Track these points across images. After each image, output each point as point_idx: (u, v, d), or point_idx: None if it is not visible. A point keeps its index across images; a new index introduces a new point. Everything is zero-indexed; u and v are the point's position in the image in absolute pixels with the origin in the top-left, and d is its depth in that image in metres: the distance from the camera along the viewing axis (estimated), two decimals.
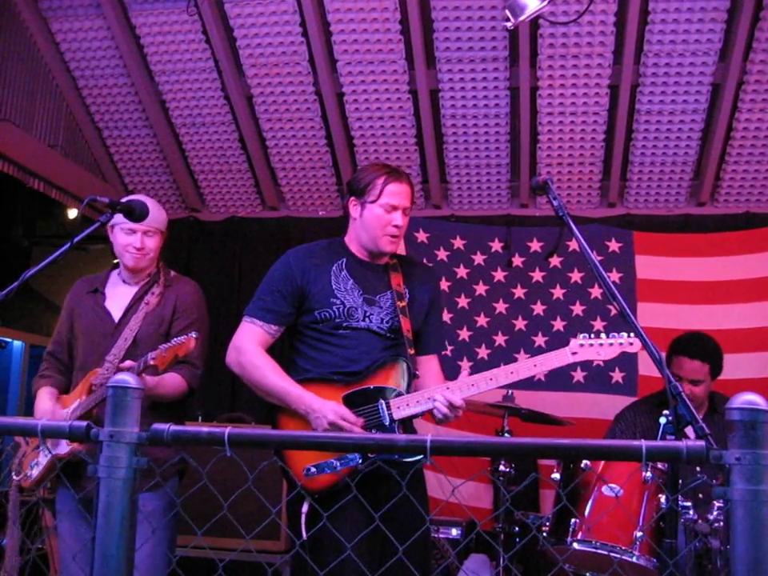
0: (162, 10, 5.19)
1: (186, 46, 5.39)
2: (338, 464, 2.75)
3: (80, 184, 5.93)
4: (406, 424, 2.94)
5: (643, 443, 1.54)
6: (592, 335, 2.83)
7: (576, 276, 5.80)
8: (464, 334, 5.83)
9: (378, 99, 5.51)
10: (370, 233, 3.01)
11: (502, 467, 4.21)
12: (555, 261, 5.79)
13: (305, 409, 2.82)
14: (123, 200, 2.99)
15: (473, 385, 2.84)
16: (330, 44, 5.27)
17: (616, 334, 2.81)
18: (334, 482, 2.76)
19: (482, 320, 5.86)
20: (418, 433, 3.14)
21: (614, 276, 5.69)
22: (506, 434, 4.31)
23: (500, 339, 5.83)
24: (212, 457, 1.83)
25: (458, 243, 5.96)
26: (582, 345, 2.82)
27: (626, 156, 5.66)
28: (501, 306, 5.86)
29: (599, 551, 3.25)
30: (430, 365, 3.15)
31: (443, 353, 3.30)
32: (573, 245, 5.66)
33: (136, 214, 2.86)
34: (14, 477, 3.30)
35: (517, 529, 4.26)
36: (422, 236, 5.94)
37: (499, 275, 5.90)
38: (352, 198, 3.06)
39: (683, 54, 5.02)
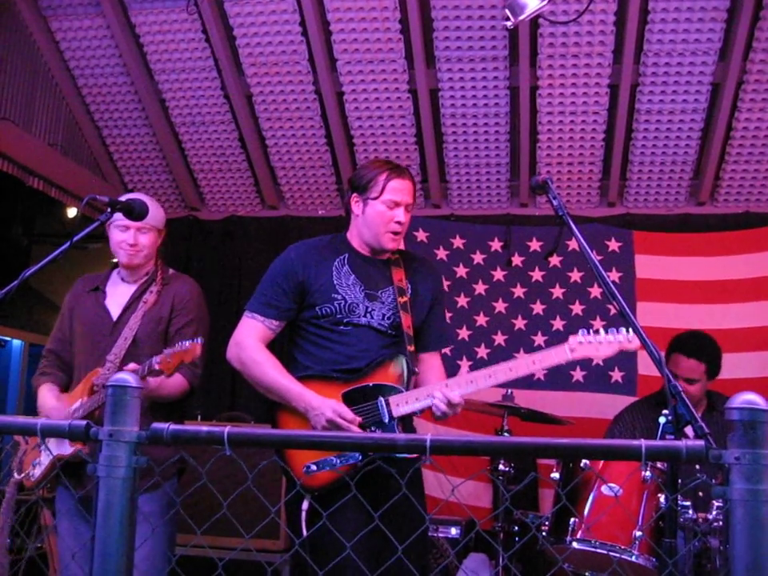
0: (162, 9, 5.19)
1: (185, 45, 5.38)
2: (338, 461, 2.76)
3: (79, 183, 5.93)
4: (406, 421, 2.94)
5: (643, 442, 1.54)
6: (591, 332, 2.83)
7: (576, 275, 5.80)
8: (463, 333, 5.83)
9: (377, 98, 5.51)
10: (372, 229, 3.00)
11: (501, 466, 4.21)
12: (555, 260, 5.79)
13: (304, 406, 2.83)
14: (122, 198, 2.98)
15: (472, 382, 2.84)
16: (329, 43, 5.27)
17: (615, 331, 2.80)
18: (334, 480, 2.76)
19: (481, 319, 5.86)
20: (418, 431, 3.14)
21: (614, 275, 5.68)
22: (505, 434, 4.30)
23: (499, 339, 5.82)
24: (211, 456, 1.84)
25: (458, 242, 5.96)
26: (580, 342, 2.82)
27: (625, 155, 5.66)
28: (500, 306, 5.86)
29: (598, 550, 3.25)
30: (431, 362, 3.15)
31: (443, 351, 3.30)
32: (572, 244, 5.66)
33: (135, 212, 2.85)
34: (16, 476, 3.30)
35: (516, 528, 4.26)
36: (421, 235, 5.94)
37: (499, 274, 5.90)
38: (354, 195, 3.05)
39: (683, 53, 5.02)
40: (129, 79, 5.66)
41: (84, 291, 3.42)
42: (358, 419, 2.80)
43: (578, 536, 3.31)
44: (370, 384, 2.88)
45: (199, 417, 5.12)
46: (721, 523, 3.15)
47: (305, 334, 3.01)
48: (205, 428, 1.74)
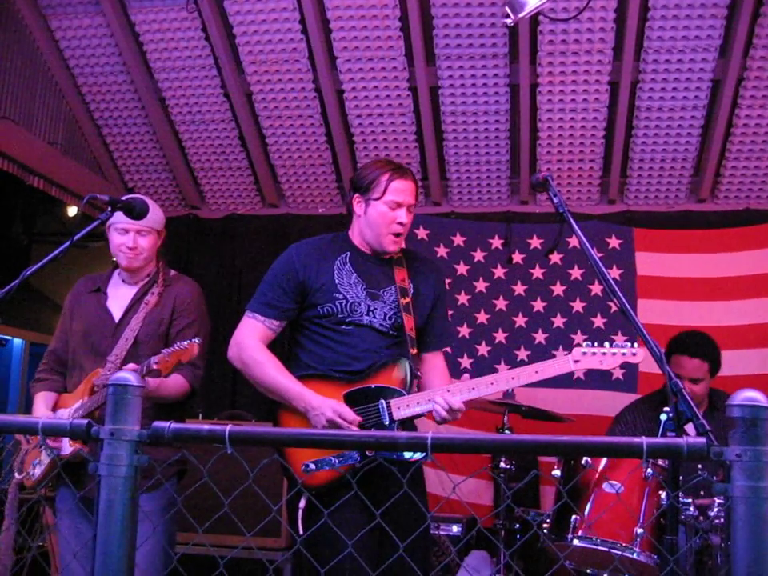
0: (162, 8, 5.19)
1: (185, 43, 5.38)
2: (337, 461, 2.75)
3: (80, 181, 5.93)
4: (406, 424, 2.93)
5: (644, 440, 1.54)
6: (595, 344, 2.83)
7: (576, 273, 5.80)
8: (464, 330, 5.83)
9: (377, 96, 5.51)
10: (374, 230, 3.00)
11: (502, 464, 4.21)
12: (555, 258, 5.79)
13: (304, 406, 2.82)
14: (122, 198, 2.98)
15: (473, 388, 2.84)
16: (329, 41, 5.27)
17: (620, 344, 2.81)
18: (333, 479, 2.76)
19: (482, 317, 5.86)
20: (418, 429, 3.14)
21: (614, 273, 5.69)
22: (506, 431, 4.30)
23: (500, 336, 5.83)
24: (212, 454, 1.83)
25: (458, 240, 5.96)
26: (584, 353, 2.83)
27: (625, 153, 5.66)
28: (501, 303, 5.86)
29: (600, 548, 3.25)
30: (434, 362, 3.14)
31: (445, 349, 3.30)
32: (573, 241, 5.66)
33: (135, 211, 2.84)
34: (17, 475, 3.30)
35: (517, 525, 4.27)
36: (421, 233, 5.94)
37: (499, 272, 5.90)
38: (356, 195, 3.04)
39: (683, 50, 5.02)
40: (128, 78, 5.66)
41: (85, 292, 3.41)
42: (358, 419, 2.80)
43: (580, 533, 3.32)
44: (372, 386, 2.87)
45: (200, 415, 5.13)
46: (722, 520, 3.15)
47: (307, 333, 3.01)
48: (206, 426, 1.74)
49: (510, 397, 4.32)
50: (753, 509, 1.46)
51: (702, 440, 1.53)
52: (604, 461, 3.44)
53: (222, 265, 6.37)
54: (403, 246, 3.12)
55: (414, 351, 2.97)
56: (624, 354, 2.80)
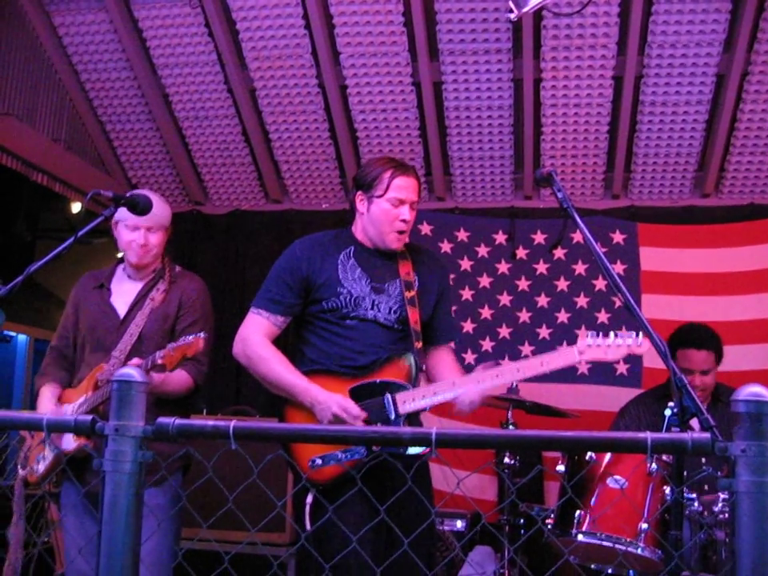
0: (165, 3, 5.18)
1: (188, 39, 5.38)
2: (343, 456, 2.76)
3: (83, 178, 5.93)
4: (412, 419, 2.94)
5: (648, 435, 1.54)
6: (600, 335, 2.82)
7: (580, 268, 5.80)
8: (468, 326, 5.83)
9: (381, 92, 5.50)
10: (378, 228, 3.00)
11: (506, 459, 4.21)
12: (559, 253, 5.79)
13: (310, 401, 2.82)
14: (126, 194, 2.98)
15: (479, 381, 2.85)
16: (332, 37, 5.26)
17: (624, 334, 2.78)
18: (339, 474, 2.76)
19: (486, 312, 5.86)
20: (423, 425, 3.14)
21: (619, 268, 5.68)
22: (510, 427, 4.30)
23: (504, 331, 5.82)
24: (217, 450, 1.84)
25: (462, 235, 5.96)
26: (589, 345, 2.82)
27: (630, 147, 5.65)
28: (505, 299, 5.86)
29: (604, 543, 3.25)
30: (442, 355, 3.14)
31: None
32: (577, 237, 5.65)
33: (139, 207, 2.84)
34: (20, 471, 3.30)
35: (522, 521, 4.26)
36: (425, 228, 5.94)
37: (503, 267, 5.90)
38: (359, 193, 3.05)
39: (687, 44, 5.00)
40: (132, 74, 5.66)
41: (89, 288, 3.41)
42: (364, 414, 2.80)
43: (584, 529, 3.31)
44: (377, 380, 2.87)
45: (204, 411, 5.13)
46: (727, 515, 3.15)
47: (311, 328, 3.01)
48: (210, 422, 1.74)
49: (514, 392, 4.31)
50: (758, 504, 1.46)
51: (707, 435, 1.53)
52: (608, 456, 3.44)
53: (225, 260, 6.37)
54: (407, 241, 3.12)
55: (419, 345, 2.97)
56: (629, 345, 2.78)
